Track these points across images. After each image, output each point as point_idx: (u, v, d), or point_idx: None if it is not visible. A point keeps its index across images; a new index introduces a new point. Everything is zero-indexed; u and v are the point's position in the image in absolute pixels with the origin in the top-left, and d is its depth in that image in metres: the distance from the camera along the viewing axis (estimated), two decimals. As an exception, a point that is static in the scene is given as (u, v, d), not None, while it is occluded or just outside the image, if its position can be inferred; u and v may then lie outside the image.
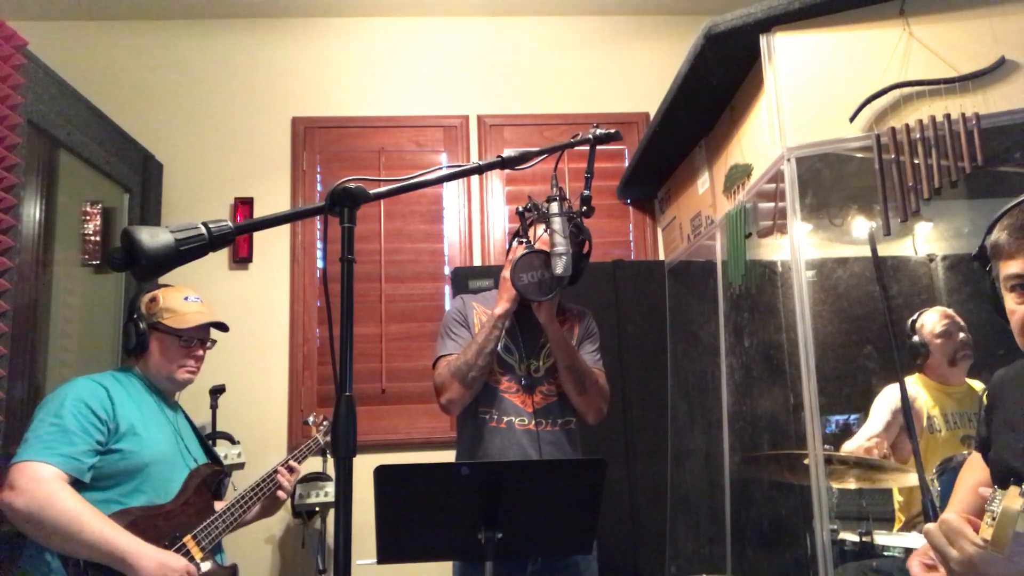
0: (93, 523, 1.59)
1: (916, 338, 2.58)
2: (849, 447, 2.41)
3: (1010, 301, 1.15)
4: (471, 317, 2.05)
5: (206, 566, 1.77)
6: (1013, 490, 0.93)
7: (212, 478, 1.94)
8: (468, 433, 2.00)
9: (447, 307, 3.17)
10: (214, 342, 2.02)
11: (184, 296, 1.94)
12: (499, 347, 1.98)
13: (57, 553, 1.62)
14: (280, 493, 2.05)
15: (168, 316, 1.88)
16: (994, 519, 0.93)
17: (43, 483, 1.58)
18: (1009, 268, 1.13)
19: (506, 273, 1.94)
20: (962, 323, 2.57)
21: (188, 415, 2.06)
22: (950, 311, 2.59)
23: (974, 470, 1.41)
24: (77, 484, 1.66)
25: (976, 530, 0.97)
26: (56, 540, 1.59)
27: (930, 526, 1.03)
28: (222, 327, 2.00)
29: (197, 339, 1.94)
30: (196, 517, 1.83)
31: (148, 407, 1.86)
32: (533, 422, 1.94)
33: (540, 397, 1.97)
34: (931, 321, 2.57)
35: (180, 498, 1.81)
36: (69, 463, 1.63)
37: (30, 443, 1.63)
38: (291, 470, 2.09)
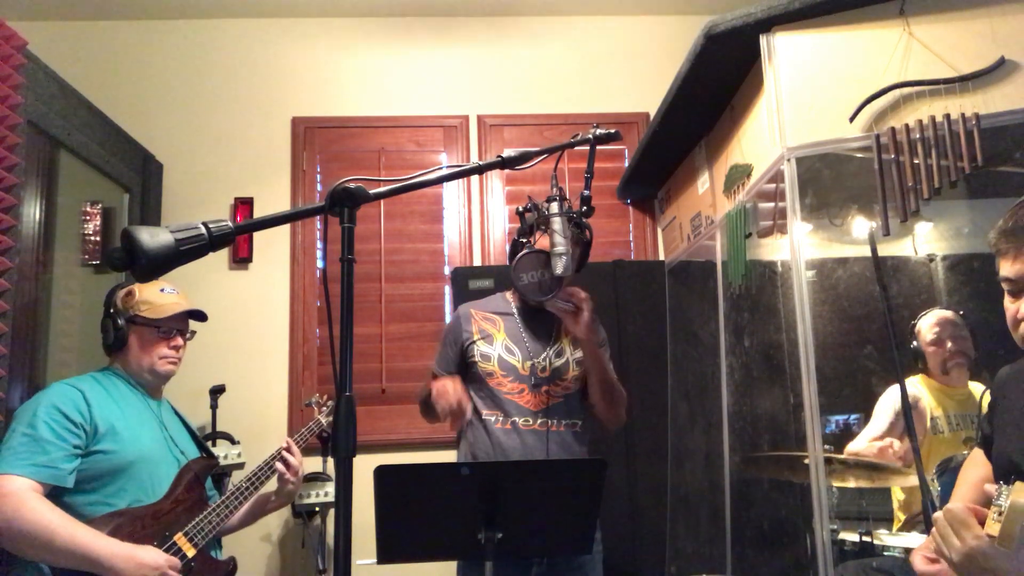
0: (64, 531, 1.57)
1: (915, 343, 2.58)
2: (855, 448, 2.40)
3: (1005, 299, 1.17)
4: (466, 329, 2.05)
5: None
6: (1020, 485, 0.93)
7: (204, 472, 1.93)
8: (472, 434, 2.01)
9: (447, 307, 3.19)
10: (193, 333, 2.01)
11: (160, 288, 1.93)
12: (500, 348, 1.99)
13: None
14: (288, 476, 1.99)
15: (145, 308, 1.88)
16: (1001, 514, 0.93)
17: (10, 496, 1.57)
18: (1001, 270, 1.16)
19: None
20: (960, 327, 2.55)
21: (177, 410, 2.05)
22: (948, 315, 2.57)
23: (976, 467, 1.41)
24: (60, 490, 1.66)
25: (981, 523, 0.97)
26: (30, 551, 1.59)
27: (937, 515, 1.03)
28: (200, 316, 2.00)
29: (176, 329, 1.93)
30: (188, 513, 1.82)
31: (130, 405, 1.85)
32: (538, 422, 1.95)
33: (546, 398, 1.97)
34: (926, 327, 2.57)
35: (170, 495, 1.80)
36: (43, 472, 1.62)
37: (2, 456, 1.62)
38: (289, 456, 2.02)
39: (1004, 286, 1.18)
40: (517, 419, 1.95)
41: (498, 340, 2.02)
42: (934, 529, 1.05)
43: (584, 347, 1.95)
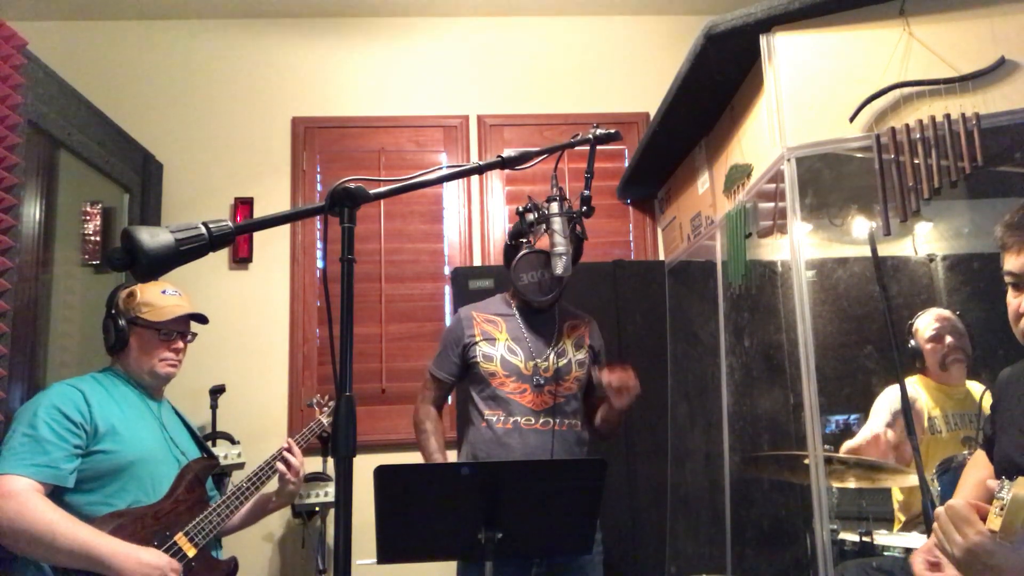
0: (67, 530, 1.58)
1: (912, 342, 2.58)
2: (851, 445, 2.41)
3: (1008, 293, 1.18)
4: (467, 332, 2.06)
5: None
6: (1022, 480, 0.93)
7: (204, 472, 1.93)
8: (473, 434, 2.01)
9: (447, 307, 3.18)
10: (194, 335, 2.02)
11: (162, 290, 1.94)
12: (503, 349, 2.01)
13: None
14: (289, 476, 1.98)
15: (147, 310, 1.88)
16: (1003, 508, 0.92)
17: (13, 496, 1.57)
18: (1005, 264, 1.17)
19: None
20: (958, 325, 2.55)
21: (178, 411, 2.05)
22: (945, 313, 2.57)
23: (978, 468, 1.41)
24: (61, 490, 1.66)
25: (983, 519, 0.97)
26: (33, 551, 1.59)
27: (939, 510, 1.03)
28: (201, 319, 2.00)
29: (176, 332, 1.93)
30: (188, 513, 1.82)
31: (131, 405, 1.85)
32: (540, 421, 1.96)
33: (549, 397, 1.98)
34: (924, 325, 2.57)
35: (171, 495, 1.80)
36: (44, 472, 1.62)
37: (3, 456, 1.63)
38: (290, 457, 2.01)
39: (1007, 280, 1.18)
40: (519, 419, 1.95)
41: (501, 341, 2.03)
42: (935, 525, 1.04)
43: (614, 415, 2.04)
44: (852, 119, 1.86)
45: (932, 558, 1.23)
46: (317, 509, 2.67)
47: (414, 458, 2.07)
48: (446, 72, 3.44)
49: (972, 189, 2.46)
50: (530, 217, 1.95)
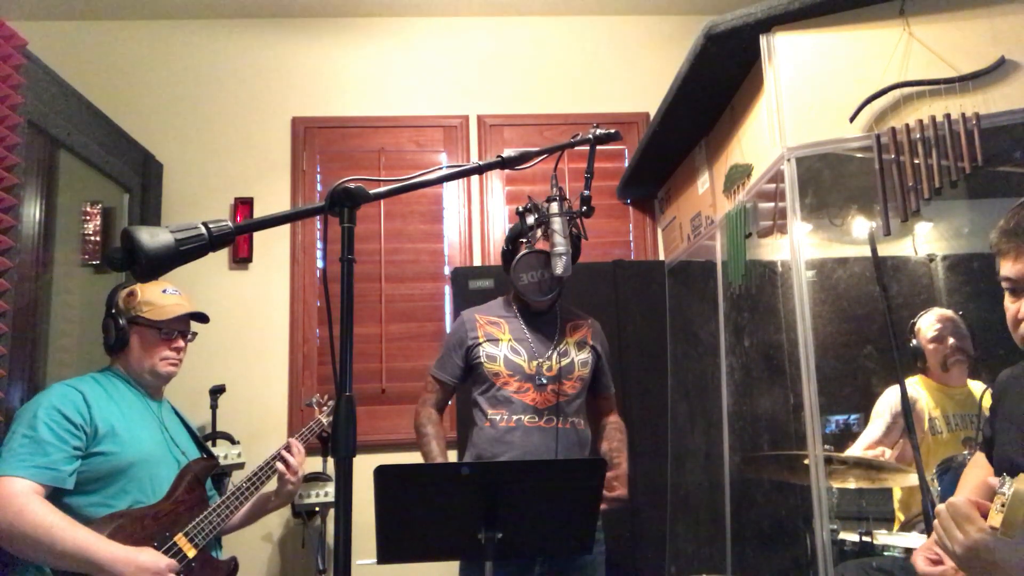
0: (66, 533, 1.58)
1: (914, 342, 2.58)
2: (852, 453, 2.41)
3: (1005, 299, 1.18)
4: (471, 334, 2.07)
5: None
6: (1023, 476, 0.93)
7: (204, 473, 1.93)
8: (477, 435, 2.02)
9: (447, 307, 3.18)
10: (194, 334, 2.02)
11: (162, 289, 1.94)
12: (506, 349, 2.02)
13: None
14: (288, 476, 1.99)
15: (147, 309, 1.88)
16: (1004, 504, 0.92)
17: (13, 498, 1.57)
18: (1002, 270, 1.17)
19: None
20: (960, 325, 2.55)
21: (178, 411, 2.05)
22: (948, 313, 2.57)
23: (978, 469, 1.41)
24: (60, 492, 1.66)
25: (984, 517, 0.97)
26: (32, 553, 1.59)
27: (940, 508, 1.03)
28: (202, 318, 2.00)
29: (177, 331, 1.94)
30: (188, 514, 1.82)
31: (130, 406, 1.85)
32: (544, 420, 1.96)
33: (552, 396, 1.99)
34: (926, 325, 2.57)
35: (170, 496, 1.80)
36: (44, 474, 1.62)
37: (3, 457, 1.62)
38: (289, 457, 2.01)
39: (1004, 286, 1.18)
40: (523, 417, 1.96)
41: (504, 342, 2.03)
42: (936, 523, 1.04)
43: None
44: (852, 119, 1.87)
45: (933, 555, 1.23)
46: (317, 509, 2.67)
47: (414, 458, 2.07)
48: (446, 72, 3.44)
49: (972, 189, 2.46)
50: (530, 218, 1.96)
